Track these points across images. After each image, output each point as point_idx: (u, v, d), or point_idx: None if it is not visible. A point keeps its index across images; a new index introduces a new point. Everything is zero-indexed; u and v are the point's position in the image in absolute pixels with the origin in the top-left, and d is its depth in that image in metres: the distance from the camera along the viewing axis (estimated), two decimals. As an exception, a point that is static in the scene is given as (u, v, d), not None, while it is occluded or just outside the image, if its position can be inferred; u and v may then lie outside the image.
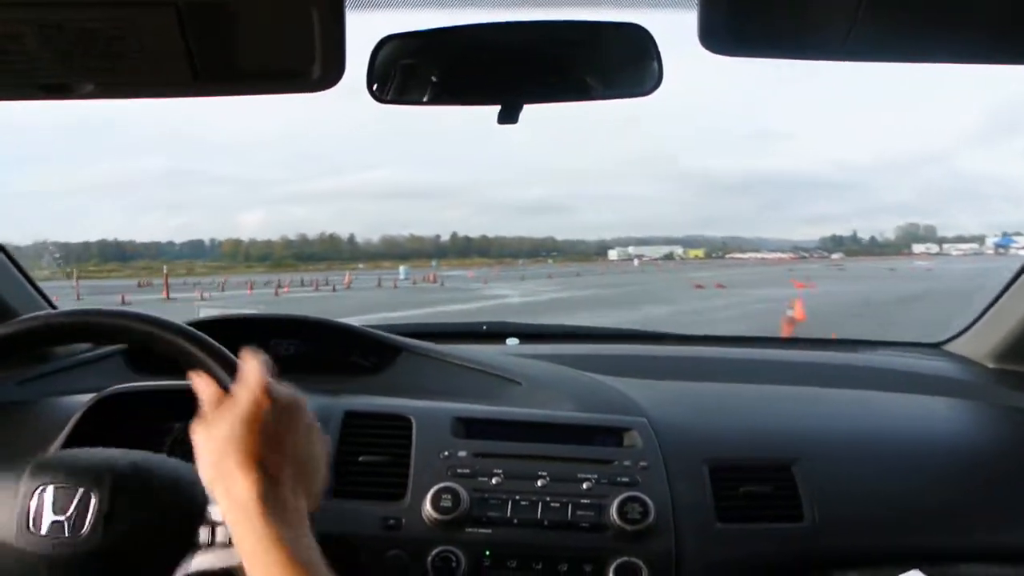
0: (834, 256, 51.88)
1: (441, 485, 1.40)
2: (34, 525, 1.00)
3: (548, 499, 1.40)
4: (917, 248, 61.24)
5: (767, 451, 1.52)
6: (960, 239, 62.16)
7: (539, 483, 1.42)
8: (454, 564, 1.34)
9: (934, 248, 59.67)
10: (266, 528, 0.90)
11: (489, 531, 1.38)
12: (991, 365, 1.93)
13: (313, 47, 1.04)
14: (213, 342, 1.10)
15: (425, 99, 1.21)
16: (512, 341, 2.11)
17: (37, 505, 1.01)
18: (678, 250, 62.81)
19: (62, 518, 1.00)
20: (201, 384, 1.02)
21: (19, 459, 1.08)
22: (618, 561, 1.34)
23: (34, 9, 0.98)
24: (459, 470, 1.44)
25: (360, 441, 1.49)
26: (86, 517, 1.00)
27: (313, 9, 1.00)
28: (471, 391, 1.71)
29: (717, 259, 57.24)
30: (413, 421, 1.52)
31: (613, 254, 61.99)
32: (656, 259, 56.20)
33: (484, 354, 1.83)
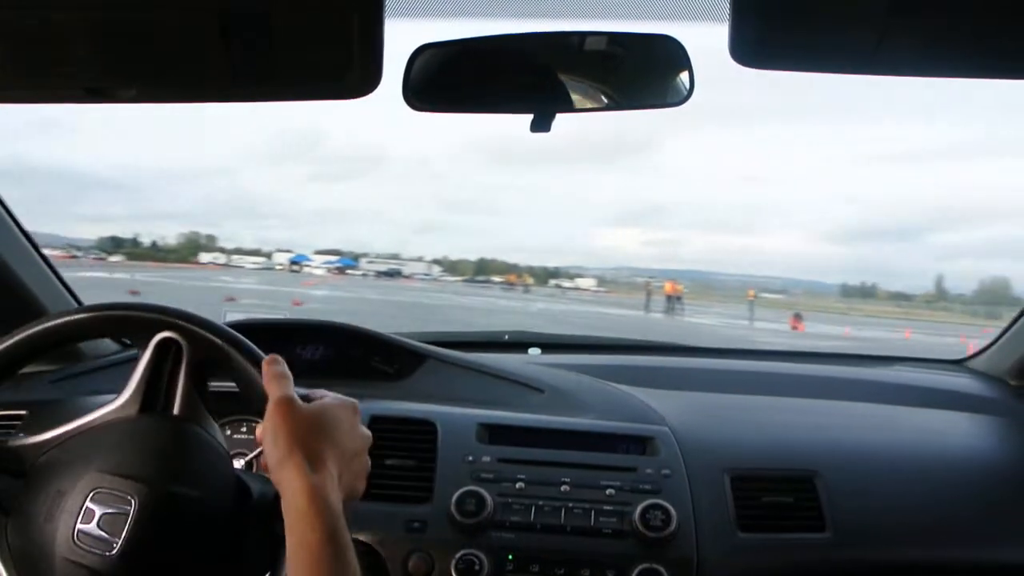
0: (113, 259, 49.11)
1: (466, 489, 1.41)
2: (77, 535, 0.98)
3: (571, 505, 1.41)
4: (204, 257, 61.95)
5: (789, 462, 1.53)
6: (240, 251, 64.96)
7: (562, 489, 1.43)
8: (477, 568, 1.36)
9: (221, 258, 60.53)
10: (316, 521, 0.91)
11: (512, 536, 1.39)
12: (1013, 382, 1.93)
13: (352, 54, 1.06)
14: (251, 344, 1.10)
15: (459, 107, 1.23)
16: (534, 351, 2.12)
17: (79, 512, 0.99)
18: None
19: (98, 530, 0.98)
20: (271, 382, 1.02)
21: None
22: (640, 567, 1.35)
23: (78, 13, 1.01)
24: (483, 475, 1.45)
25: (386, 445, 1.50)
26: (122, 530, 0.98)
27: (354, 16, 1.02)
28: (494, 399, 1.72)
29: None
30: (438, 426, 1.53)
31: None
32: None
33: (507, 363, 1.84)
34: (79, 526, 0.97)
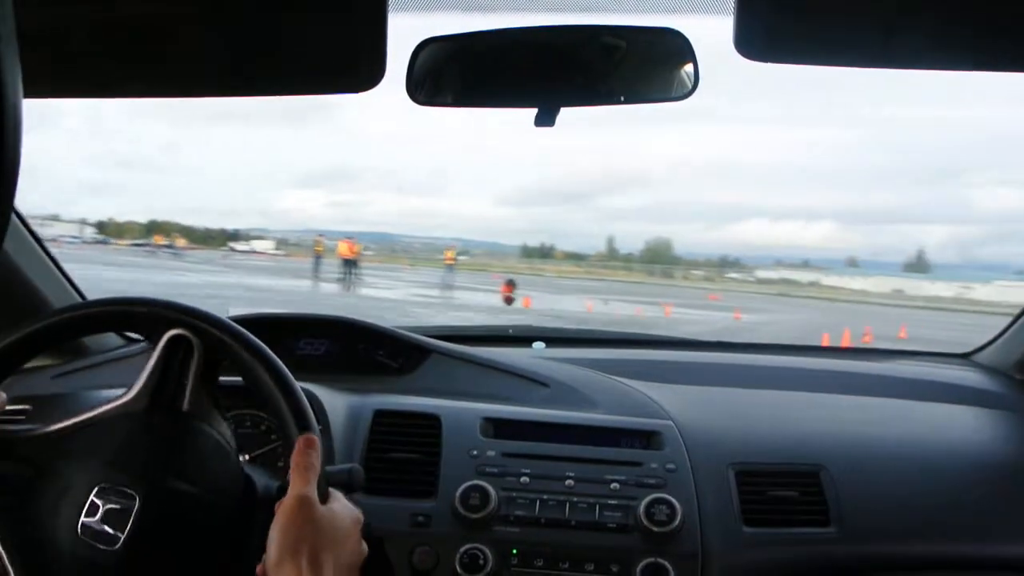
0: None
1: (470, 483, 1.41)
2: (80, 529, 0.98)
3: (576, 499, 1.41)
4: None
5: (794, 457, 1.53)
6: None
7: (567, 483, 1.43)
8: (482, 562, 1.36)
9: None
10: None
11: (517, 530, 1.39)
12: (1019, 377, 1.92)
13: (356, 49, 1.06)
14: (257, 341, 1.10)
15: (463, 101, 1.23)
16: (538, 345, 2.12)
17: (84, 507, 1.00)
18: None
19: (101, 524, 0.98)
20: (298, 472, 1.00)
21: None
22: (645, 562, 1.35)
23: (86, 7, 1.01)
24: (488, 469, 1.45)
25: (390, 439, 1.51)
26: (126, 526, 0.98)
27: (357, 12, 1.02)
28: (498, 393, 1.72)
29: None
30: (443, 420, 1.53)
31: None
32: None
33: (511, 357, 1.84)
34: (83, 520, 0.98)
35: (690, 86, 1.14)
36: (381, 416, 1.54)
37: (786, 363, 2.03)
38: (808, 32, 1.04)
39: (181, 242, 47.12)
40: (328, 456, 1.40)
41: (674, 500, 1.39)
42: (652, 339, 2.35)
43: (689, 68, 1.13)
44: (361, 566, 1.04)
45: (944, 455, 1.59)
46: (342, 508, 1.03)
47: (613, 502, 1.41)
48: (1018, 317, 1.95)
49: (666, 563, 1.35)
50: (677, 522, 1.37)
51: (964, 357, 2.10)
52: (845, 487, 1.47)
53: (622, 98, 1.18)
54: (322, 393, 1.53)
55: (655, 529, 1.36)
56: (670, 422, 1.56)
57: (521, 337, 2.19)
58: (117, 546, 0.97)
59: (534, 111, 1.16)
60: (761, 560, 1.41)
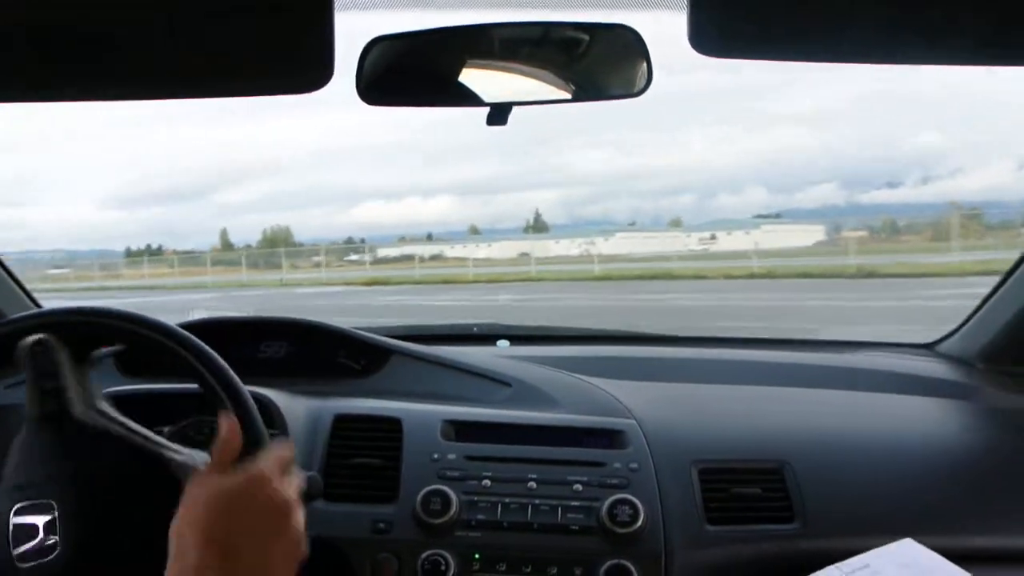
0: None
1: (431, 488, 1.39)
2: (17, 553, 0.98)
3: (538, 502, 1.40)
4: None
5: (757, 453, 1.52)
6: None
7: (529, 486, 1.42)
8: (443, 567, 1.34)
9: None
10: None
11: (479, 534, 1.38)
12: (982, 366, 1.93)
13: (302, 49, 1.04)
14: (141, 315, 1.11)
15: (414, 101, 1.21)
16: (502, 343, 2.10)
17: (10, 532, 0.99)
18: None
19: (35, 540, 0.99)
20: (224, 437, 0.96)
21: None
22: (608, 564, 1.34)
23: (19, 10, 0.98)
24: (449, 473, 1.44)
25: (351, 444, 1.49)
26: (56, 533, 0.98)
27: (302, 10, 1.00)
28: (461, 393, 1.70)
29: None
30: (403, 424, 1.52)
31: None
32: None
33: (474, 356, 1.83)
34: (15, 546, 0.98)
35: (644, 82, 1.13)
36: (341, 421, 1.52)
37: (750, 357, 2.03)
38: (764, 27, 1.03)
39: None
40: None
41: (637, 500, 1.38)
42: (616, 335, 2.34)
43: (643, 64, 1.12)
44: (311, 568, 0.98)
45: (908, 447, 1.60)
46: (267, 494, 0.94)
47: (576, 504, 1.40)
48: (980, 306, 1.96)
49: (629, 564, 1.34)
50: (640, 523, 1.36)
51: (927, 347, 2.11)
52: (809, 482, 1.46)
53: (575, 95, 1.17)
54: (281, 399, 1.50)
55: (618, 530, 1.35)
56: (633, 421, 1.55)
57: (485, 335, 2.18)
58: (56, 553, 0.97)
59: (486, 110, 1.15)
60: (725, 558, 1.40)
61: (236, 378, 1.12)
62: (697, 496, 1.44)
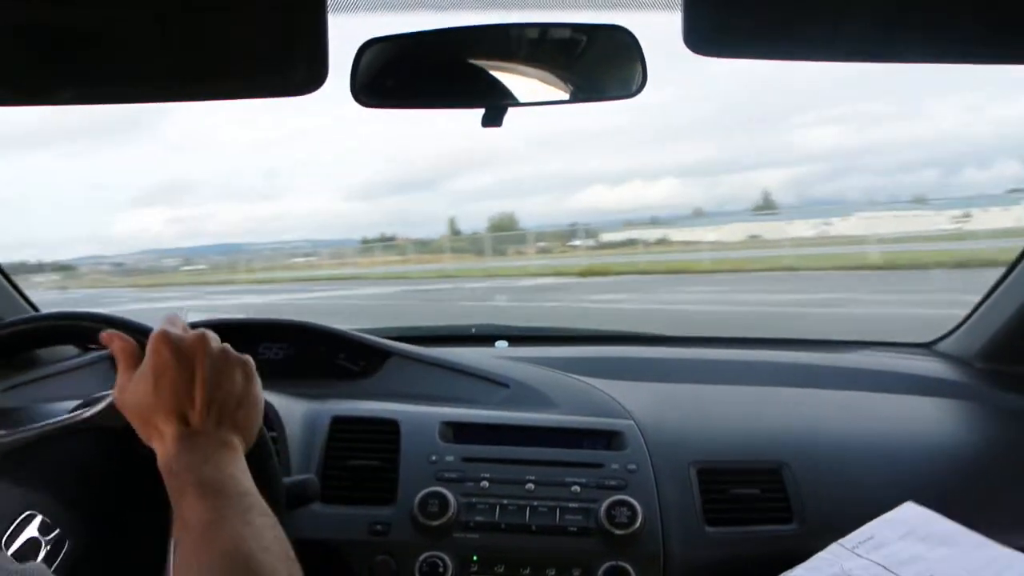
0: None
1: (429, 490, 1.39)
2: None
3: (536, 503, 1.40)
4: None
5: (755, 453, 1.52)
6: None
7: (527, 487, 1.42)
8: (441, 570, 1.34)
9: None
10: (180, 460, 0.91)
11: (477, 536, 1.37)
12: (980, 365, 1.93)
13: (296, 50, 1.04)
14: (125, 318, 1.10)
15: (409, 103, 1.21)
16: (501, 344, 2.10)
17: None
18: None
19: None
20: (114, 346, 1.01)
21: None
22: (606, 565, 1.34)
23: (12, 12, 0.98)
24: (447, 475, 1.43)
25: (348, 446, 1.49)
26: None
27: (295, 12, 1.00)
28: (459, 395, 1.70)
29: None
30: (401, 425, 1.51)
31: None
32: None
33: (472, 357, 1.82)
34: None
35: (638, 83, 1.12)
36: (339, 423, 1.52)
37: (748, 357, 2.03)
38: (758, 25, 1.03)
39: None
40: (284, 466, 1.38)
41: (635, 502, 1.37)
42: (614, 335, 2.34)
43: (638, 65, 1.12)
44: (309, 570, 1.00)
45: (907, 447, 1.59)
46: (173, 350, 0.97)
47: (574, 505, 1.39)
48: (979, 306, 1.96)
49: (628, 566, 1.33)
50: (638, 524, 1.35)
51: (926, 347, 2.11)
52: (807, 483, 1.46)
53: (569, 96, 1.17)
54: (278, 401, 1.50)
55: (616, 532, 1.35)
56: (631, 422, 1.55)
57: (484, 336, 2.18)
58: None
59: (481, 111, 1.15)
60: (724, 560, 1.40)
61: None
62: (695, 497, 1.43)
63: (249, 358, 1.03)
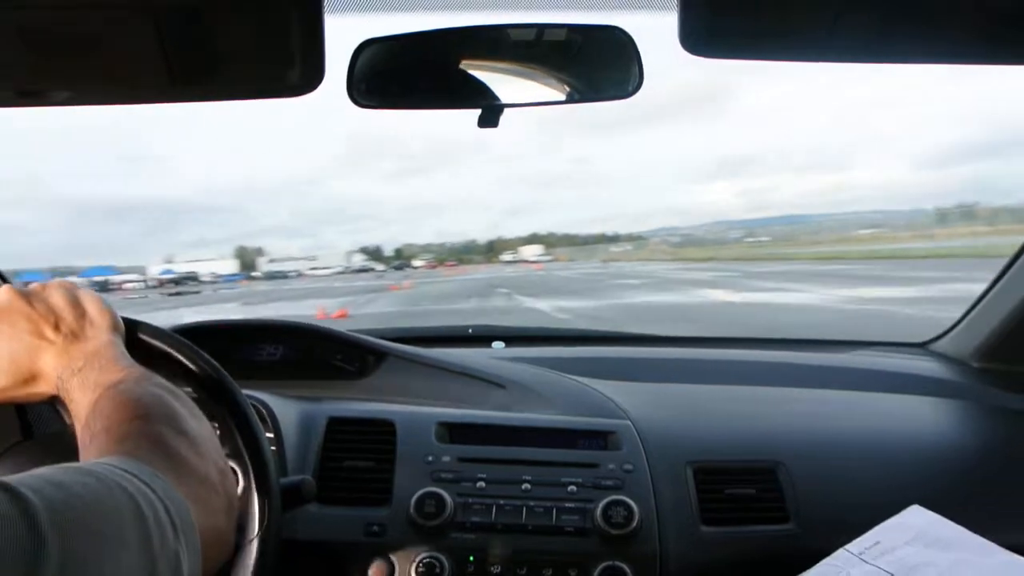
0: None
1: (425, 490, 1.39)
2: None
3: (533, 503, 1.40)
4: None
5: (751, 453, 1.52)
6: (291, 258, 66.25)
7: (524, 487, 1.42)
8: (438, 570, 1.34)
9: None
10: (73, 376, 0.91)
11: (473, 536, 1.37)
12: (976, 364, 1.93)
13: (292, 51, 1.04)
14: None
15: (405, 103, 1.20)
16: (498, 344, 2.10)
17: None
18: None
19: None
20: None
21: None
22: (603, 565, 1.34)
23: (9, 13, 0.97)
24: (443, 475, 1.43)
25: (344, 447, 1.48)
26: None
27: (292, 13, 1.00)
28: (455, 395, 1.70)
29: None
30: (397, 426, 1.51)
31: None
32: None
33: (469, 358, 1.82)
34: None
35: (635, 83, 1.13)
36: (335, 424, 1.52)
37: (744, 357, 2.03)
38: (754, 27, 1.03)
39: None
40: (280, 467, 1.38)
41: (631, 501, 1.37)
42: (611, 335, 2.34)
43: (634, 65, 1.12)
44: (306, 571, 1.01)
45: (902, 447, 1.59)
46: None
47: (570, 505, 1.39)
48: (974, 305, 1.96)
49: (624, 566, 1.34)
50: (635, 524, 1.35)
51: (921, 347, 2.11)
52: (803, 482, 1.46)
53: (566, 97, 1.17)
54: (274, 402, 1.50)
55: (613, 532, 1.35)
56: (627, 422, 1.55)
57: (481, 337, 2.18)
58: None
59: (477, 112, 1.14)
60: (720, 559, 1.40)
61: (229, 378, 1.10)
62: (692, 497, 1.44)
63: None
